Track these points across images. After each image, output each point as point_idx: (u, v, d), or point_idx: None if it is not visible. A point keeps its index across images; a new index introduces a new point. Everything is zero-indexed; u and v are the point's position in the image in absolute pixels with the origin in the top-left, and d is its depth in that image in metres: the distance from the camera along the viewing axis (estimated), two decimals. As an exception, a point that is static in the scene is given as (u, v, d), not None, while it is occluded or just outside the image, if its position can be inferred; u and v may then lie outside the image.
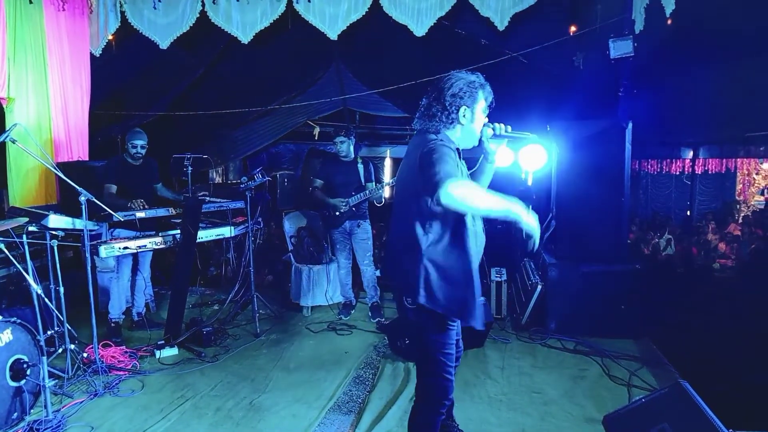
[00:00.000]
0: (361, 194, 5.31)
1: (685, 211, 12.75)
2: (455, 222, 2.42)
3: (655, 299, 5.65)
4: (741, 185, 13.48)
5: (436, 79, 2.56)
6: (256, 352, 4.68)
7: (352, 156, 5.43)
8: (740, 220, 11.80)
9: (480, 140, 2.60)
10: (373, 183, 5.39)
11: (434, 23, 5.33)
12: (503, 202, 2.21)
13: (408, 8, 5.34)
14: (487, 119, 2.60)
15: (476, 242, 2.50)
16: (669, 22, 4.68)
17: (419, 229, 2.41)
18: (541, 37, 5.68)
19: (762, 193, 12.92)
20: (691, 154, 12.35)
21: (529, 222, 2.25)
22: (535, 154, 4.32)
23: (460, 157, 2.49)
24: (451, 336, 2.53)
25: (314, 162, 11.13)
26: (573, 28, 5.83)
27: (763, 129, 8.95)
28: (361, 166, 5.39)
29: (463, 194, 2.13)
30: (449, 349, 2.52)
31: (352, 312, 5.62)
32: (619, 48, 5.06)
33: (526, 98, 6.00)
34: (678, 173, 13.01)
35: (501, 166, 2.67)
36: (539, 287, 5.07)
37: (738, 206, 13.08)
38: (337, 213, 5.31)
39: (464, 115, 2.47)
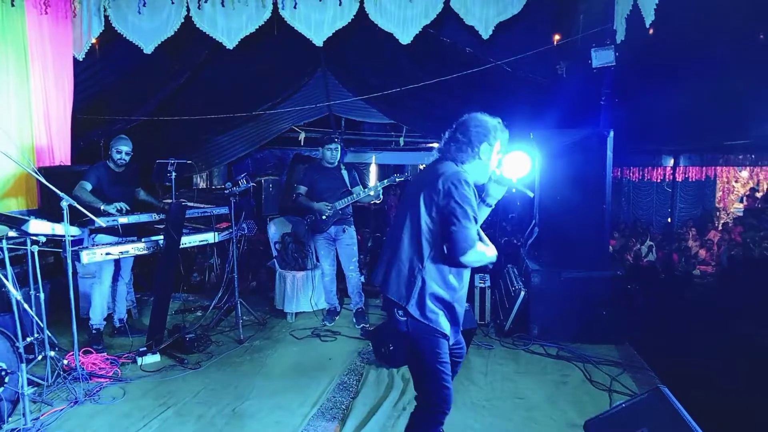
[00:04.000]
0: (348, 198, 5.32)
1: (666, 218, 12.91)
2: None
3: (636, 305, 5.72)
4: (720, 193, 13.69)
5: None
6: (240, 358, 4.66)
7: (336, 162, 5.45)
8: (720, 227, 11.98)
9: (489, 179, 2.76)
10: (360, 187, 5.40)
11: (419, 31, 5.35)
12: (490, 252, 2.59)
13: (393, 16, 5.36)
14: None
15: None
16: (651, 32, 4.76)
17: (424, 244, 2.54)
18: (524, 46, 5.73)
19: (741, 201, 13.13)
20: (671, 161, 12.52)
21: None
22: (519, 162, 4.37)
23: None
24: (445, 345, 2.61)
25: (299, 168, 11.08)
26: (556, 37, 5.89)
27: (742, 138, 9.11)
28: (345, 172, 5.40)
29: (473, 260, 2.49)
30: (445, 357, 2.60)
31: (337, 318, 5.61)
32: (601, 57, 5.14)
33: (509, 106, 6.04)
34: (659, 181, 13.20)
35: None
36: (522, 293, 5.11)
37: (718, 213, 13.29)
38: (324, 217, 5.30)
39: (484, 152, 2.64)
